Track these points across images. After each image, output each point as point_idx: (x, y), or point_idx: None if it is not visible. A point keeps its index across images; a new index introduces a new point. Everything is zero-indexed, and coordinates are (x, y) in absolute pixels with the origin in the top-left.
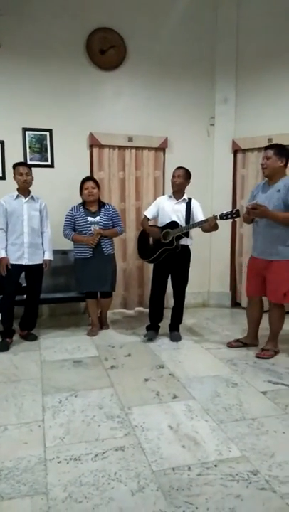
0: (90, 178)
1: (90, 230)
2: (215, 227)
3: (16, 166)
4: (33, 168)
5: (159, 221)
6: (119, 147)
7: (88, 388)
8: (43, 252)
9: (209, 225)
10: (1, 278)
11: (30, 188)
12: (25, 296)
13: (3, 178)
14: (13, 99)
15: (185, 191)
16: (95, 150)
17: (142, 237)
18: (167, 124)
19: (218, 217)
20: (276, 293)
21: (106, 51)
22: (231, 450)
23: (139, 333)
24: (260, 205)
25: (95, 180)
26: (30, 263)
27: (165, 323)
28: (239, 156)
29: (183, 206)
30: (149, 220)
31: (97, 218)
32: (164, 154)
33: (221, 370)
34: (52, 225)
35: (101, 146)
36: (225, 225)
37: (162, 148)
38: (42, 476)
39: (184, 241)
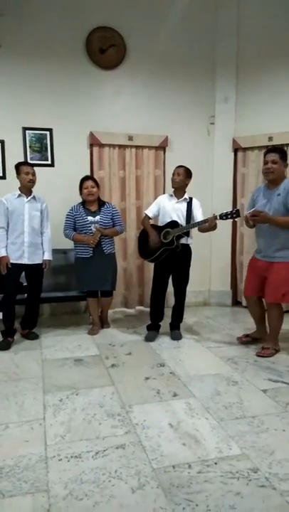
0: (89, 178)
1: (91, 229)
2: (214, 227)
3: (20, 165)
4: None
5: (160, 220)
6: (120, 146)
7: (89, 387)
8: (43, 252)
9: (209, 225)
10: (1, 277)
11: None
12: (26, 295)
13: (4, 177)
14: (13, 98)
15: (186, 190)
16: (95, 149)
17: (143, 237)
18: (167, 122)
19: (218, 217)
20: (275, 293)
21: (106, 50)
22: (231, 448)
23: (140, 332)
24: (260, 211)
25: (94, 180)
26: (30, 262)
27: (166, 322)
28: (239, 154)
29: (184, 206)
30: (150, 218)
31: (97, 218)
32: (165, 153)
33: (222, 369)
34: (52, 224)
35: (101, 145)
36: (225, 224)
37: (162, 147)
38: (43, 474)
39: (184, 240)
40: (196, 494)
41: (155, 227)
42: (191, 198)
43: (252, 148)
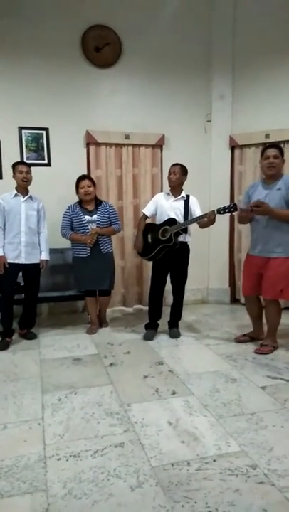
0: (85, 177)
1: (88, 228)
2: (212, 222)
3: (16, 164)
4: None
5: (158, 218)
6: (116, 145)
7: (87, 386)
8: (40, 252)
9: (208, 220)
10: None
11: (28, 187)
12: (23, 295)
13: (0, 177)
14: (9, 98)
15: (183, 188)
16: (92, 148)
17: (141, 235)
18: (164, 121)
19: (216, 212)
20: (273, 289)
21: (101, 49)
22: (230, 445)
23: (139, 331)
24: (263, 202)
25: (90, 179)
26: (27, 262)
27: (164, 320)
28: (236, 152)
29: (181, 203)
30: (147, 217)
31: (95, 217)
32: (162, 151)
33: (220, 366)
34: (49, 223)
35: (98, 144)
36: (223, 222)
37: (159, 145)
38: (42, 474)
39: (182, 238)
40: (195, 491)
41: (153, 225)
42: (188, 196)
43: (249, 146)
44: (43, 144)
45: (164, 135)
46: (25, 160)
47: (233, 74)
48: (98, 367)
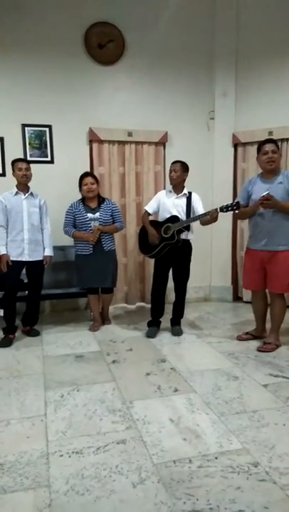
0: (88, 174)
1: (90, 226)
2: (215, 220)
3: (14, 162)
4: (33, 165)
5: (160, 216)
6: (119, 142)
7: (90, 383)
8: (44, 248)
9: (211, 217)
10: (2, 275)
11: (30, 184)
12: (26, 292)
13: (3, 174)
14: (12, 95)
15: (185, 185)
16: (95, 145)
17: (143, 232)
18: (167, 118)
19: (219, 210)
20: (280, 282)
21: (104, 45)
22: (232, 442)
23: (141, 328)
24: (272, 195)
25: (94, 176)
26: (31, 259)
27: (166, 318)
28: (239, 149)
29: (183, 201)
30: (149, 214)
31: (97, 214)
32: (164, 149)
33: (222, 364)
34: (52, 220)
35: (101, 142)
36: (226, 219)
37: (162, 142)
38: (44, 470)
39: (185, 235)
40: (197, 489)
41: (156, 222)
42: (190, 193)
43: (252, 143)
44: (46, 141)
45: (166, 132)
46: (28, 157)
47: (236, 71)
48: (101, 364)
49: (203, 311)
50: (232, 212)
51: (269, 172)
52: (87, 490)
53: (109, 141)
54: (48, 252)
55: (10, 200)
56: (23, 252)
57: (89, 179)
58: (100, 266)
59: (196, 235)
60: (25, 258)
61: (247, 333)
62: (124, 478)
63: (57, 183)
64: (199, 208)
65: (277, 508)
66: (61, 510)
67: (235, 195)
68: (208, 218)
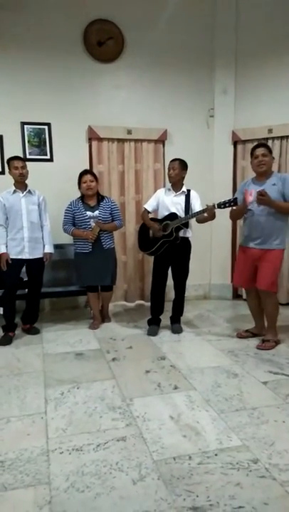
0: (88, 172)
1: (90, 224)
2: (212, 217)
3: (10, 160)
4: (32, 163)
5: (159, 214)
6: (119, 140)
7: (90, 380)
8: (43, 246)
9: (208, 214)
10: (1, 273)
11: (30, 182)
12: (26, 290)
13: (3, 173)
14: (11, 93)
15: (184, 183)
16: (94, 143)
17: (142, 230)
18: (166, 116)
19: (216, 206)
20: (266, 280)
21: (104, 43)
22: (232, 439)
23: (141, 326)
24: (266, 191)
25: (93, 174)
26: (31, 257)
27: (166, 316)
28: (239, 147)
29: (182, 198)
30: (149, 212)
31: (96, 213)
32: (164, 146)
33: (222, 361)
34: (51, 218)
35: (100, 139)
36: (225, 217)
37: (162, 140)
38: (44, 467)
39: (183, 233)
40: (197, 485)
41: (154, 220)
42: (189, 191)
43: (251, 141)
44: (45, 139)
45: (166, 130)
46: (27, 155)
47: (235, 69)
48: (101, 362)
49: (203, 308)
50: (230, 208)
51: (261, 175)
52: (87, 487)
53: (109, 139)
54: (48, 248)
55: (8, 198)
56: (23, 250)
57: (88, 177)
58: (99, 264)
59: (196, 233)
60: (26, 256)
61: (247, 331)
62: (125, 475)
63: (56, 181)
64: (197, 205)
65: (276, 505)
66: (61, 507)
67: (234, 193)
68: (206, 216)
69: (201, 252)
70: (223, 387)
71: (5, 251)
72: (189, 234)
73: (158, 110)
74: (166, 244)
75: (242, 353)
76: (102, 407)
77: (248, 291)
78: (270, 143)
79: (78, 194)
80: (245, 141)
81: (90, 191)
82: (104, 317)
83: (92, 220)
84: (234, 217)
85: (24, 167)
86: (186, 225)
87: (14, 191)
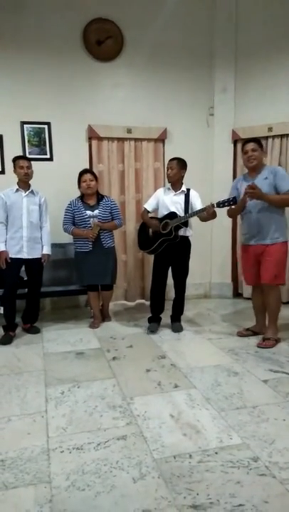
0: (87, 171)
1: (89, 223)
2: (213, 216)
3: (16, 159)
4: (32, 162)
5: (159, 213)
6: (118, 139)
7: (90, 379)
8: (42, 246)
9: (207, 213)
10: (1, 272)
11: (30, 182)
12: (26, 289)
13: (3, 172)
14: (11, 92)
15: (183, 182)
16: (94, 142)
17: (142, 229)
18: (166, 114)
19: (216, 205)
20: (268, 274)
21: (103, 42)
22: (232, 437)
23: (141, 325)
24: (256, 185)
25: (92, 173)
26: (30, 257)
27: (166, 315)
28: (239, 145)
29: (181, 198)
30: (149, 212)
31: (96, 212)
32: (164, 145)
33: (222, 360)
34: (51, 218)
35: (100, 139)
36: (226, 216)
37: (161, 139)
38: (45, 466)
39: (183, 232)
40: (197, 483)
41: (154, 219)
42: (188, 190)
43: None
44: (45, 138)
45: (166, 129)
46: (27, 155)
47: (235, 67)
48: (101, 361)
49: (204, 307)
50: (229, 207)
51: (252, 170)
52: (87, 485)
53: (109, 138)
54: (46, 250)
55: (10, 197)
56: (22, 250)
57: (88, 176)
58: (99, 263)
59: (196, 232)
60: (24, 256)
61: (247, 329)
62: (125, 473)
63: (56, 181)
64: (197, 204)
65: (276, 503)
66: (62, 505)
67: None
68: (206, 215)
69: (202, 250)
70: (223, 386)
71: (4, 249)
72: (189, 233)
73: (158, 109)
74: (166, 243)
75: (242, 352)
76: (102, 405)
77: (253, 288)
78: (270, 141)
79: (78, 193)
80: (244, 140)
81: (90, 190)
82: (104, 316)
83: (92, 219)
84: (231, 215)
85: (29, 167)
86: (186, 224)
87: (17, 190)
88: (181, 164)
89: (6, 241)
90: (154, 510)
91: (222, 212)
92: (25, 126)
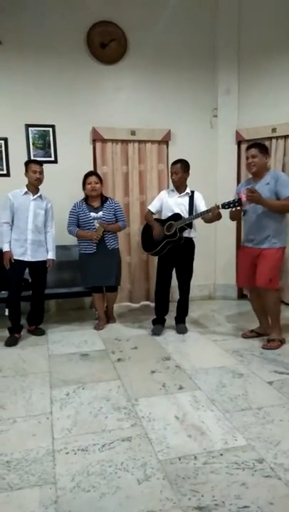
0: (93, 173)
1: (94, 225)
2: (218, 217)
3: (29, 162)
4: None
5: (163, 215)
6: (122, 141)
7: (95, 381)
8: (46, 250)
9: (212, 214)
10: (6, 274)
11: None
12: (30, 291)
13: (8, 175)
14: (15, 95)
15: (187, 184)
16: (98, 144)
17: (146, 230)
18: (170, 116)
19: (221, 207)
20: (263, 278)
21: (107, 45)
22: (237, 439)
23: (146, 326)
24: (255, 189)
25: (98, 175)
26: (33, 260)
27: (171, 316)
28: (243, 146)
29: (186, 199)
30: (153, 214)
31: (100, 213)
32: (168, 147)
33: (227, 361)
34: (56, 220)
35: (104, 141)
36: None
37: (165, 141)
38: (50, 467)
39: (187, 233)
40: (202, 485)
41: (158, 221)
42: (192, 192)
43: (256, 141)
44: (49, 141)
45: (170, 131)
46: (32, 157)
47: (238, 68)
48: (106, 362)
49: (208, 309)
50: (234, 208)
51: (254, 175)
52: (92, 487)
53: (113, 140)
54: (51, 255)
55: (18, 198)
56: (26, 252)
57: (93, 178)
58: (103, 265)
59: (200, 233)
60: (28, 258)
61: (252, 331)
62: (130, 474)
63: (60, 183)
64: (201, 206)
65: (282, 504)
66: (67, 506)
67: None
68: (211, 216)
69: (206, 252)
70: (228, 387)
71: (8, 249)
72: (193, 234)
73: (161, 111)
74: (170, 245)
75: (247, 353)
76: (107, 407)
77: (250, 291)
78: (273, 142)
79: (82, 195)
80: (249, 141)
81: (94, 192)
82: (109, 318)
83: (96, 220)
84: (233, 217)
85: (42, 172)
86: (190, 226)
87: (25, 192)
88: (184, 167)
89: (10, 242)
90: (159, 511)
91: (226, 214)
92: (29, 129)
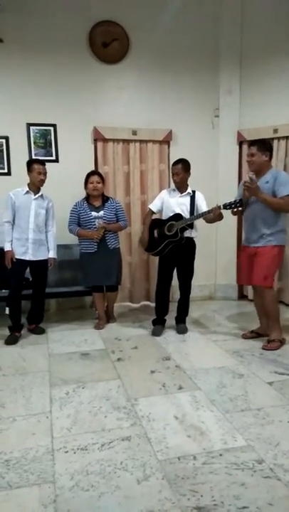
0: (95, 173)
1: (95, 224)
2: (219, 218)
3: (32, 162)
4: None
5: (164, 214)
6: (124, 141)
7: (95, 380)
8: (48, 249)
9: (214, 215)
10: (6, 273)
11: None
12: (31, 290)
13: (9, 173)
14: (17, 94)
15: (188, 183)
16: (100, 144)
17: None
18: (171, 116)
19: (222, 207)
20: (258, 275)
21: (109, 44)
22: (237, 439)
23: (146, 326)
24: (253, 179)
25: (100, 175)
26: (34, 259)
27: (171, 316)
28: (244, 147)
29: (187, 199)
30: (154, 213)
31: (101, 213)
32: (169, 147)
33: (227, 362)
34: (57, 219)
35: (105, 140)
36: (231, 217)
37: (167, 141)
38: (49, 466)
39: (188, 233)
40: (201, 485)
41: (159, 221)
42: (194, 192)
43: None
44: (50, 140)
45: (171, 131)
46: (33, 156)
47: (240, 69)
48: (106, 362)
49: (208, 309)
50: (236, 209)
51: (256, 173)
52: (92, 486)
53: (114, 140)
54: (52, 254)
55: (19, 197)
56: (27, 251)
57: (95, 178)
58: (104, 264)
59: (201, 233)
60: (29, 257)
61: (252, 332)
62: (129, 474)
63: (61, 182)
64: (203, 206)
65: (281, 505)
66: (66, 505)
67: None
68: (212, 216)
69: (207, 252)
70: (228, 388)
71: (10, 248)
72: (194, 234)
73: (163, 111)
74: (171, 245)
75: (247, 354)
76: (106, 406)
77: (254, 290)
78: (275, 143)
79: (83, 195)
80: (250, 141)
81: (96, 192)
82: (109, 317)
83: (97, 220)
84: (235, 212)
85: (45, 173)
86: (191, 226)
87: (27, 192)
88: (185, 167)
89: (11, 241)
90: (158, 511)
91: (227, 214)
92: (31, 128)
